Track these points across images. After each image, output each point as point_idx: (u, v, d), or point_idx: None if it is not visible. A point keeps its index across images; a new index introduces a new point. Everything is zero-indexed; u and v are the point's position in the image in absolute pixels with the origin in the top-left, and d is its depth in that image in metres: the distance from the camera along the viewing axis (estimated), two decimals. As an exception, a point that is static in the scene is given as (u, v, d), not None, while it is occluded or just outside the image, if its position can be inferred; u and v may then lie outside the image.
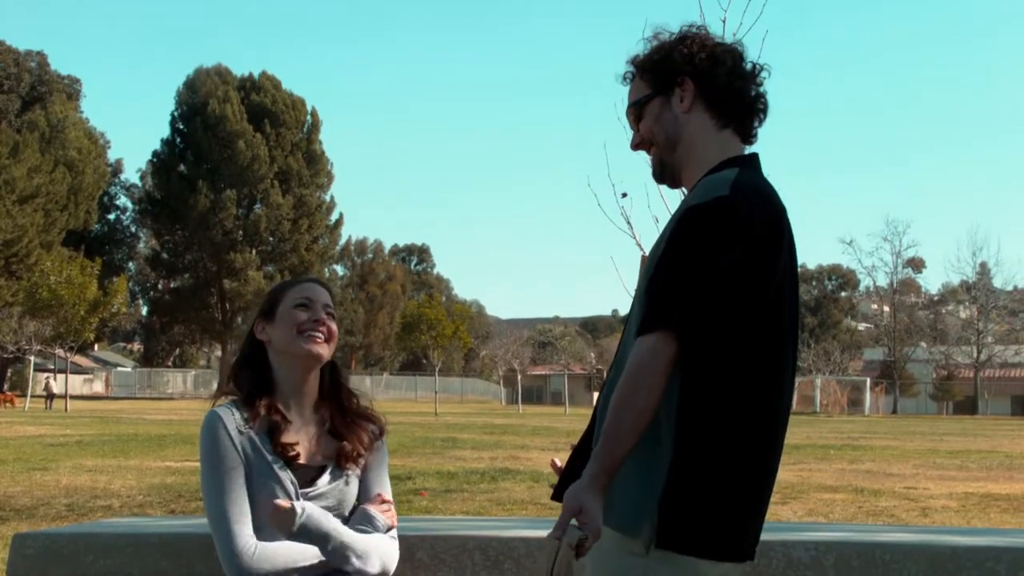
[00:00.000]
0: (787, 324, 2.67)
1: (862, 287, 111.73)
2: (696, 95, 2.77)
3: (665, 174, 2.85)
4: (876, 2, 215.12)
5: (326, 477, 3.33)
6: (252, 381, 3.39)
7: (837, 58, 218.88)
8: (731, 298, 2.52)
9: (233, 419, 3.33)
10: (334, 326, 3.39)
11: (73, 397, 56.39)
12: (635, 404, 2.48)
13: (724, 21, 7.17)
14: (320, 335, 3.33)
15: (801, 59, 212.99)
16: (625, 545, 2.57)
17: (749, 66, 2.82)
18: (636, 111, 2.83)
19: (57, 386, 55.19)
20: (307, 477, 3.31)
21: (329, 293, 3.46)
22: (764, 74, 2.84)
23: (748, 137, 2.85)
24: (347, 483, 3.36)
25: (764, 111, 2.84)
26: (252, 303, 78.41)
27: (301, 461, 3.30)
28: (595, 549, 2.51)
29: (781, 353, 2.66)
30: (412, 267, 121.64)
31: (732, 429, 2.57)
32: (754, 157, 2.83)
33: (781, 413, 2.70)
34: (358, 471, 3.39)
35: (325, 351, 3.35)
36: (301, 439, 3.34)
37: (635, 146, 2.87)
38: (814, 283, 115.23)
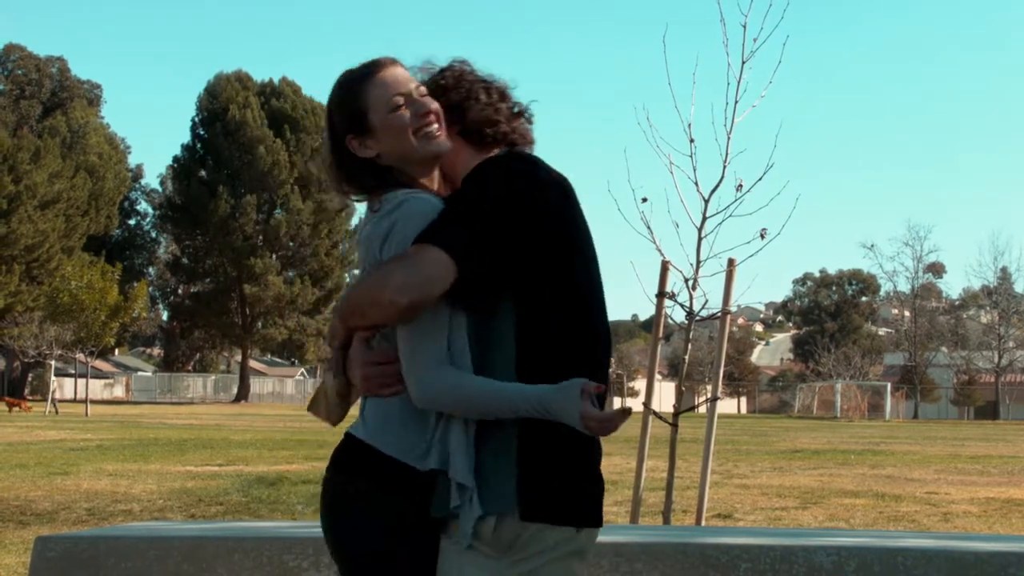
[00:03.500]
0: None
1: (883, 292, 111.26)
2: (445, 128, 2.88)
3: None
4: (899, 7, 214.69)
5: None
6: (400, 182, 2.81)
7: (858, 63, 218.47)
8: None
9: None
10: (435, 103, 2.84)
11: (94, 402, 56.57)
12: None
13: (744, 26, 7.15)
14: (435, 127, 2.81)
15: (822, 63, 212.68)
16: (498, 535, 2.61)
17: (506, 105, 2.95)
18: None
19: (59, 391, 55.19)
20: None
21: (403, 67, 2.88)
22: (528, 115, 2.99)
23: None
24: None
25: (526, 142, 2.97)
26: (272, 308, 78.63)
27: None
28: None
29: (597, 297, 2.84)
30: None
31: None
32: None
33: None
34: None
35: (447, 142, 2.84)
36: None
37: None
38: (835, 288, 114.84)
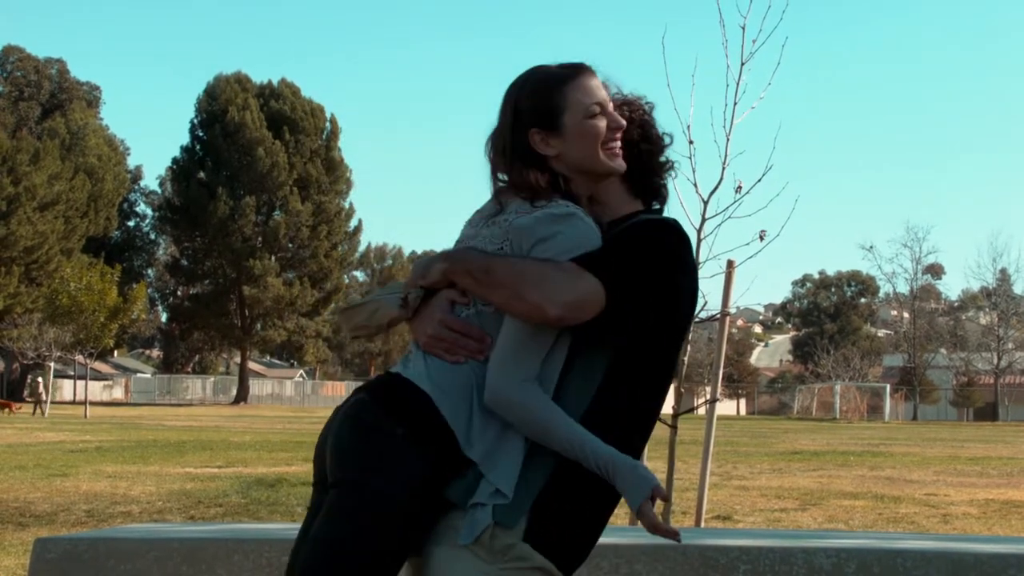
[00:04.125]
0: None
1: (882, 293, 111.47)
2: None
3: None
4: (898, 7, 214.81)
5: None
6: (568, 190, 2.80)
7: (858, 63, 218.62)
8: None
9: None
10: (623, 120, 2.84)
11: (93, 403, 56.53)
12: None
13: (744, 28, 7.15)
14: (619, 145, 2.81)
15: (821, 64, 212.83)
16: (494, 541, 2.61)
17: (666, 160, 2.98)
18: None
19: (45, 392, 54.93)
20: None
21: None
22: (671, 172, 2.99)
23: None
24: None
25: (664, 200, 3.01)
26: (271, 309, 78.63)
27: None
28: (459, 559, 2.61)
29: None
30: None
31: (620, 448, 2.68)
32: None
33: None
34: None
35: (623, 162, 2.84)
36: None
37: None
38: (833, 289, 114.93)
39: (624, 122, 2.81)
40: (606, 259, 2.64)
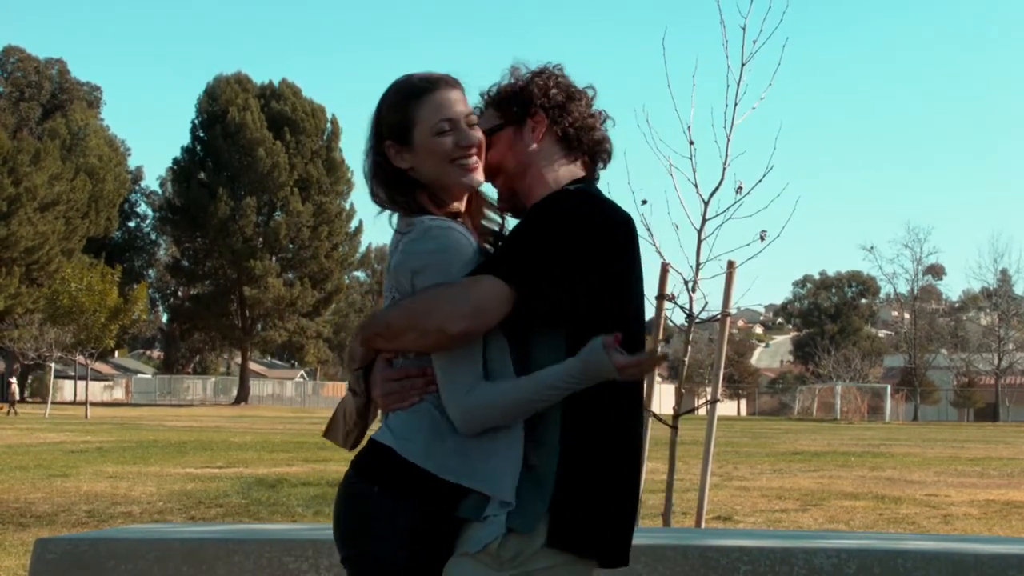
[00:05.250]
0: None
1: (883, 294, 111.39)
2: (547, 128, 2.89)
3: (517, 203, 2.93)
4: (898, 7, 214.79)
5: None
6: (423, 205, 2.83)
7: (858, 63, 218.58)
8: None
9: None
10: (480, 135, 2.85)
11: (93, 404, 56.52)
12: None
13: (744, 28, 7.15)
14: (473, 160, 2.82)
15: (821, 65, 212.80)
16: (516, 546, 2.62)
17: (598, 110, 2.96)
18: (485, 141, 2.89)
19: (16, 393, 55.06)
20: None
21: (461, 90, 2.87)
22: (609, 122, 2.98)
23: (593, 174, 2.97)
24: None
25: (609, 153, 2.98)
26: (272, 310, 78.62)
27: None
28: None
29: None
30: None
31: (614, 434, 2.71)
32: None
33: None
34: None
35: (481, 177, 2.85)
36: None
37: (484, 176, 2.91)
38: (834, 290, 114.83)
39: (477, 138, 2.82)
40: (505, 255, 2.66)
